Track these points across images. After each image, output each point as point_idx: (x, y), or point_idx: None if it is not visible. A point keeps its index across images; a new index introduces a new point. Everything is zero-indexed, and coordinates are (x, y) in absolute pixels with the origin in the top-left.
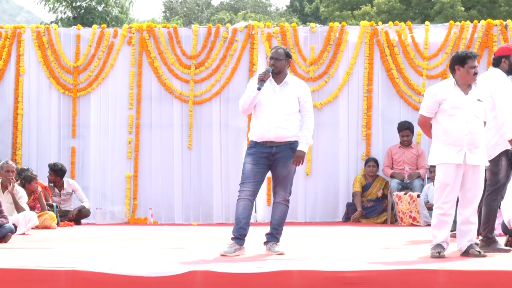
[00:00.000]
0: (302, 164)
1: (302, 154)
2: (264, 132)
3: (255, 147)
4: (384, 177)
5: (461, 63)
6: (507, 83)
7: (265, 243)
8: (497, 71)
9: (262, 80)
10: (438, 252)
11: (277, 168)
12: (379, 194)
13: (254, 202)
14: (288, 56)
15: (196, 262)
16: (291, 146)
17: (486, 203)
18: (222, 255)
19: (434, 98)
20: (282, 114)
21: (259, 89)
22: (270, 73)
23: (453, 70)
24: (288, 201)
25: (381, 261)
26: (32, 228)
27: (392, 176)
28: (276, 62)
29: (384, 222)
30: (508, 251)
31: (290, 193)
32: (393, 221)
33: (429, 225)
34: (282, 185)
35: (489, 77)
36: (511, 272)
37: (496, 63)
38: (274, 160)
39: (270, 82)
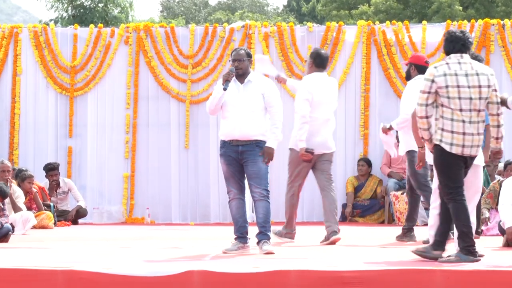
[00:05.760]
0: (271, 160)
1: (270, 151)
2: (230, 131)
3: (224, 147)
4: (378, 176)
5: None
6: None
7: (257, 243)
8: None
9: (227, 80)
10: None
11: (247, 166)
12: (378, 193)
13: (250, 199)
14: (249, 56)
15: (193, 262)
16: (258, 144)
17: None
18: (224, 252)
19: None
20: (247, 112)
21: (225, 89)
22: (234, 73)
23: None
24: (266, 196)
25: (379, 261)
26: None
27: (389, 176)
28: (240, 64)
29: (382, 222)
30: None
31: (266, 189)
32: (391, 221)
33: (426, 225)
34: (254, 181)
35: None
36: (507, 272)
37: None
38: (243, 159)
39: (234, 83)
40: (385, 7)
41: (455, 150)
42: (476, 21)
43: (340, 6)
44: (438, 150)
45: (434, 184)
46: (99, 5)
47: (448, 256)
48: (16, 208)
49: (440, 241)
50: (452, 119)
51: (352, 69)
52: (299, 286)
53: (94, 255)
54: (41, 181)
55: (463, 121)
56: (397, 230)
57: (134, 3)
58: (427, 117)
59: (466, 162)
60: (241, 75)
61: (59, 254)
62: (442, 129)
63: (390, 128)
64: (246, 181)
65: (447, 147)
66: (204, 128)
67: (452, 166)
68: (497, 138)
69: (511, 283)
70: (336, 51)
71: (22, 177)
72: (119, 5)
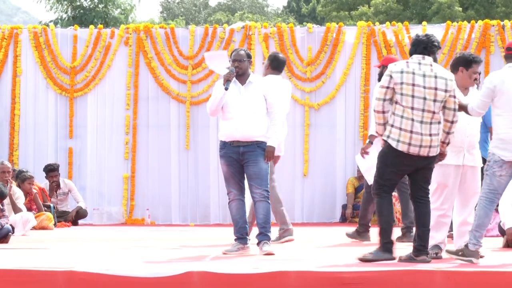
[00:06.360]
0: (272, 158)
1: (271, 149)
2: (231, 132)
3: (224, 148)
4: None
5: (466, 66)
6: None
7: (258, 244)
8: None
9: (228, 80)
10: (436, 253)
11: (248, 167)
12: None
13: (250, 200)
14: (249, 56)
15: (193, 263)
16: (259, 145)
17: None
18: (224, 253)
19: None
20: (249, 113)
21: (226, 89)
22: (234, 73)
23: (455, 70)
24: (267, 197)
25: (378, 262)
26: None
27: None
28: (240, 64)
29: None
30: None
31: (267, 190)
32: None
33: None
34: (255, 182)
35: None
36: (507, 273)
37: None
38: (243, 160)
39: (234, 84)
40: (385, 8)
41: (401, 147)
42: (476, 22)
43: (340, 7)
44: (385, 147)
45: (433, 185)
46: (99, 6)
47: (365, 254)
48: (16, 209)
49: (421, 245)
50: (402, 116)
51: (352, 70)
52: (299, 287)
53: (94, 256)
54: (41, 182)
55: (413, 120)
56: (397, 231)
57: (135, 5)
58: (383, 112)
59: (415, 162)
60: (241, 76)
61: (59, 254)
62: (392, 125)
63: (371, 141)
64: (245, 182)
65: (393, 143)
66: (204, 129)
67: (393, 166)
68: (443, 143)
69: (511, 284)
70: (336, 52)
71: (22, 178)
72: (119, 7)
